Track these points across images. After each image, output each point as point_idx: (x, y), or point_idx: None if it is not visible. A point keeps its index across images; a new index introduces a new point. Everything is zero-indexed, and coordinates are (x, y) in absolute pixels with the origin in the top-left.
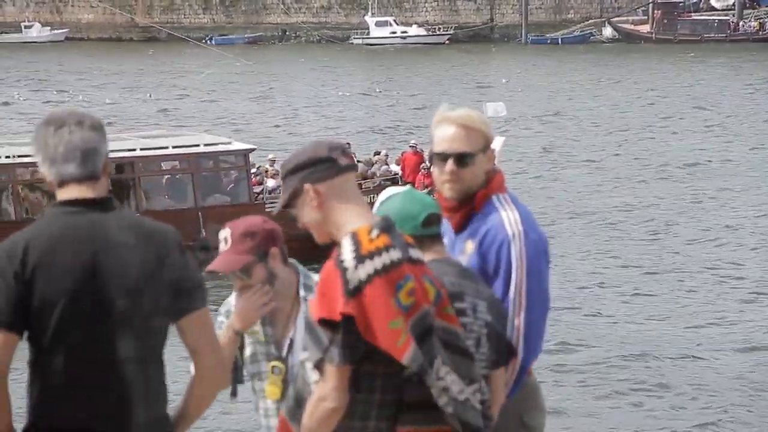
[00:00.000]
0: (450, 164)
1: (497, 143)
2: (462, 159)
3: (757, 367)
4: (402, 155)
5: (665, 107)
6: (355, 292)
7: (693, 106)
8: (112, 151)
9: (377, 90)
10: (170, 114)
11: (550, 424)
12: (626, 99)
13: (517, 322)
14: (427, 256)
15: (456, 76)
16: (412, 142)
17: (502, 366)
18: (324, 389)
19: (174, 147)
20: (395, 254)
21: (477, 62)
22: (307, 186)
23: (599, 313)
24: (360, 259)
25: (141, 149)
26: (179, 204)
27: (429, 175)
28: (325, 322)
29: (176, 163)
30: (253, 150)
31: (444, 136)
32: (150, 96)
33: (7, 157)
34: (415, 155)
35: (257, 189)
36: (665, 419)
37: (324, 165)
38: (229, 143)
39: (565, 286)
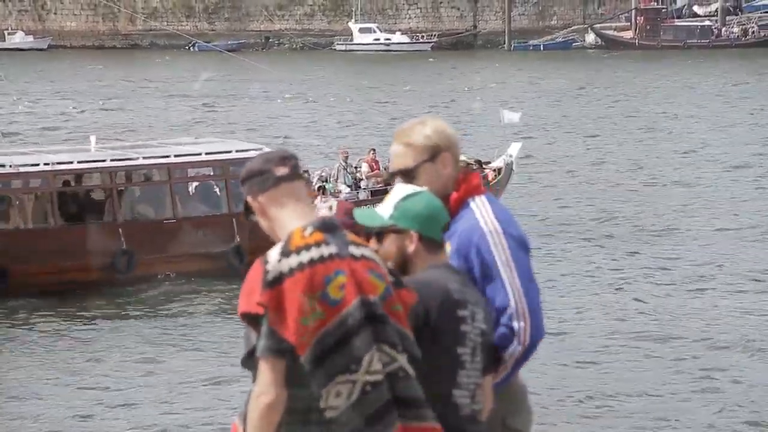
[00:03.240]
0: (398, 181)
1: (514, 149)
2: (405, 174)
3: (753, 357)
4: None
5: (648, 113)
6: (274, 284)
7: (676, 112)
8: (146, 157)
9: (363, 98)
10: (157, 121)
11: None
12: (608, 105)
13: (521, 309)
14: (434, 260)
15: (438, 83)
16: None
17: (490, 373)
18: (259, 385)
19: (207, 153)
20: (326, 250)
21: (459, 69)
22: (249, 198)
23: (592, 309)
24: (286, 254)
25: (174, 156)
26: (213, 210)
27: None
28: (247, 317)
29: (209, 169)
30: None
31: (392, 154)
32: (102, 104)
33: (46, 164)
34: None
35: None
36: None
37: (260, 177)
38: (261, 149)
39: (553, 290)
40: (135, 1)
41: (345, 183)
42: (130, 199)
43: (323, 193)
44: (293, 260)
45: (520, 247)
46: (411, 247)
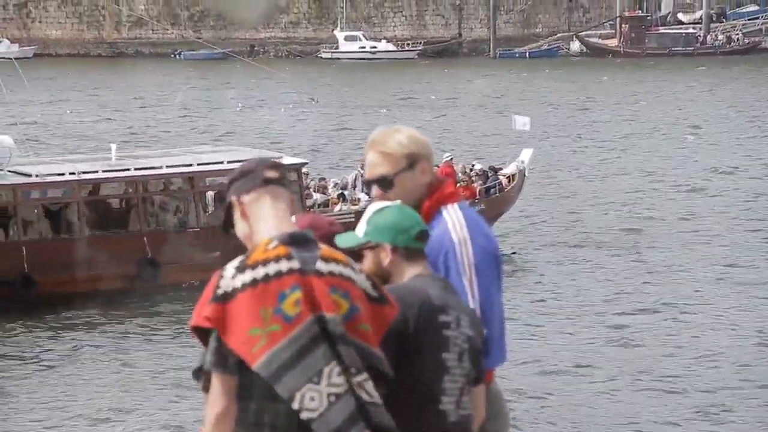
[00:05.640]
0: (375, 189)
1: (526, 155)
2: (383, 182)
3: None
4: (438, 169)
5: (634, 120)
6: (225, 298)
7: (662, 119)
8: (170, 166)
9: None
10: (143, 132)
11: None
12: (593, 113)
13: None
14: (414, 270)
15: (422, 90)
16: (447, 155)
17: (481, 383)
18: (210, 396)
19: (229, 162)
20: (286, 265)
21: (449, 76)
22: (233, 198)
23: (586, 324)
24: (242, 269)
25: (198, 164)
26: None
27: (467, 188)
28: (197, 331)
29: None
30: (305, 164)
31: (368, 163)
32: (69, 112)
33: (72, 173)
34: (449, 168)
35: (309, 202)
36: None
37: (249, 176)
38: (281, 157)
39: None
40: (120, 10)
41: (363, 191)
42: (154, 207)
43: (343, 201)
44: (248, 275)
45: (488, 260)
46: (386, 260)
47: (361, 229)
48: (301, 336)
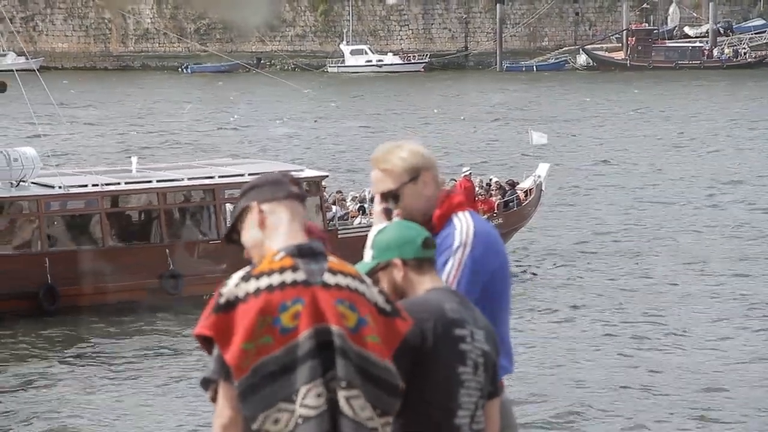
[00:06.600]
0: (382, 204)
1: (542, 169)
2: (389, 196)
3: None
4: (457, 183)
5: (643, 134)
6: (225, 308)
7: (670, 133)
8: (191, 178)
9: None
10: (154, 144)
11: None
12: (604, 126)
13: None
14: (428, 282)
15: (433, 104)
16: (466, 169)
17: (496, 397)
18: (217, 405)
19: (250, 174)
20: (290, 276)
21: (451, 90)
22: (253, 203)
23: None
24: (246, 278)
25: (219, 176)
26: None
27: (485, 201)
28: (200, 339)
29: None
30: (325, 177)
31: (373, 180)
32: (70, 124)
33: (95, 185)
34: (468, 182)
35: (328, 215)
36: None
37: (273, 186)
38: (302, 170)
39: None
40: (127, 23)
41: None
42: (176, 219)
43: (362, 214)
44: (251, 285)
45: (477, 270)
46: (399, 275)
47: (368, 255)
48: (293, 349)
